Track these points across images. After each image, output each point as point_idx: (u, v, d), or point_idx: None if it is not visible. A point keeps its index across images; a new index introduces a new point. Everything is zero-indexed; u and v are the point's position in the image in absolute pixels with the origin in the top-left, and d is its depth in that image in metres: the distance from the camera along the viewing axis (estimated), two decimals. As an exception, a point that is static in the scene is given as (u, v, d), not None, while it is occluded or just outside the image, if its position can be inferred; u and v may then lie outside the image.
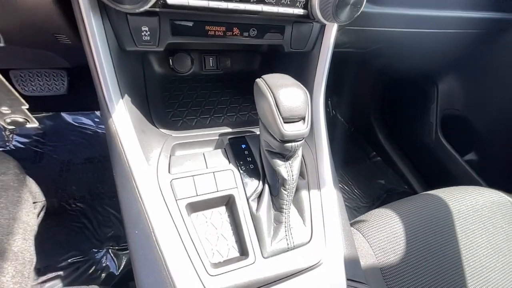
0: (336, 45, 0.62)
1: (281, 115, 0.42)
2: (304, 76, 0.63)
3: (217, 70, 0.77)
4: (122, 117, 0.47)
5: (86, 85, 1.21)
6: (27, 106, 0.41)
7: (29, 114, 0.43)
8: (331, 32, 0.58)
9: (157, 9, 0.40)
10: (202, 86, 0.73)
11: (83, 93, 1.29)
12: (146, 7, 0.36)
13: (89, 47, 0.43)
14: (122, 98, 0.48)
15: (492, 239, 0.75)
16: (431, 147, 1.36)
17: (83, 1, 0.39)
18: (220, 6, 0.41)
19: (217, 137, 0.57)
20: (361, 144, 1.69)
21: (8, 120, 0.42)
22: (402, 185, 1.54)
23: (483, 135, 1.19)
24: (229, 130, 0.62)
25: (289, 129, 0.43)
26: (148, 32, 0.45)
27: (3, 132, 1.25)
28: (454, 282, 0.67)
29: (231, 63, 0.77)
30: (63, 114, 1.37)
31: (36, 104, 1.25)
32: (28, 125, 0.45)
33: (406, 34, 0.80)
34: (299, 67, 0.65)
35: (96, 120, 1.38)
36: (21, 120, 0.43)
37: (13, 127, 0.43)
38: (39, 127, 1.33)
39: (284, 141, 0.44)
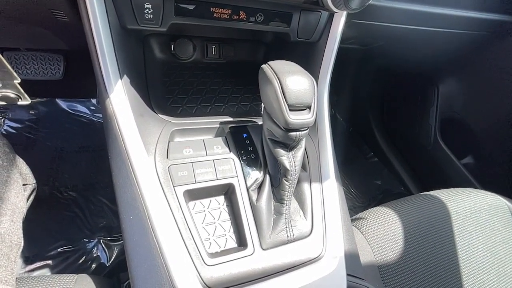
0: (341, 40, 0.61)
1: (286, 102, 0.41)
2: (309, 67, 0.62)
3: (219, 59, 0.75)
4: (120, 98, 0.45)
5: (83, 71, 1.19)
6: (19, 80, 0.38)
7: (21, 89, 0.40)
8: (339, 23, 0.57)
9: (162, -16, 0.38)
10: (203, 74, 0.71)
11: (80, 79, 1.26)
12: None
13: (88, 23, 0.41)
14: (121, 79, 0.46)
15: (489, 242, 0.75)
16: (428, 149, 1.37)
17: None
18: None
19: (218, 126, 0.55)
20: (358, 143, 1.69)
21: (-1, 95, 0.40)
22: (398, 186, 1.54)
23: (481, 139, 1.19)
24: (230, 119, 0.60)
25: (294, 117, 0.41)
26: (151, 10, 0.43)
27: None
28: (450, 283, 0.66)
29: (234, 52, 0.75)
30: (58, 101, 1.33)
31: (30, 89, 1.22)
32: (20, 102, 0.43)
33: (410, 31, 0.79)
34: (304, 58, 0.64)
35: (92, 108, 1.35)
36: (12, 96, 0.41)
37: (4, 103, 0.41)
38: (32, 112, 1.29)
39: (288, 129, 0.42)
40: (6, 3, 0.47)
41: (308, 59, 0.63)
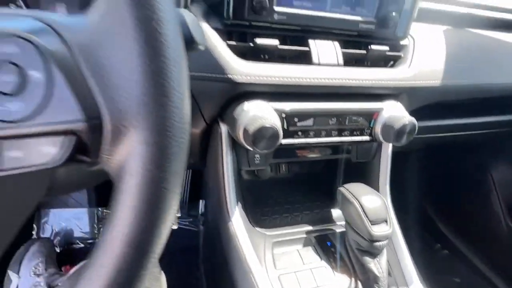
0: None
1: (368, 218, 0.53)
2: (368, 181, 0.76)
3: (288, 174, 0.94)
4: (239, 222, 0.61)
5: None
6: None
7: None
8: (389, 146, 0.74)
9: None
10: (278, 188, 0.89)
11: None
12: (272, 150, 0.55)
13: (221, 170, 0.63)
14: (237, 206, 0.64)
15: None
16: (503, 237, 1.27)
17: (225, 141, 0.61)
18: (313, 141, 0.60)
19: (304, 235, 0.68)
20: (422, 236, 1.61)
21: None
22: (482, 282, 1.35)
23: None
24: (310, 228, 0.72)
25: (377, 230, 0.53)
26: (259, 158, 0.65)
27: (94, 225, 1.47)
28: None
29: (300, 168, 0.94)
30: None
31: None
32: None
33: (450, 137, 0.93)
34: (361, 173, 0.79)
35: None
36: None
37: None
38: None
39: (373, 240, 0.53)
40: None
41: (365, 173, 0.78)
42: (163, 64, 0.18)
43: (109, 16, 0.18)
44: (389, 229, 0.54)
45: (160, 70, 0.18)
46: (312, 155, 0.70)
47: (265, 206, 0.81)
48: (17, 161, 0.18)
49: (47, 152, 0.19)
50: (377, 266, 0.54)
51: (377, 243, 0.53)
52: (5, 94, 0.17)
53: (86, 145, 0.19)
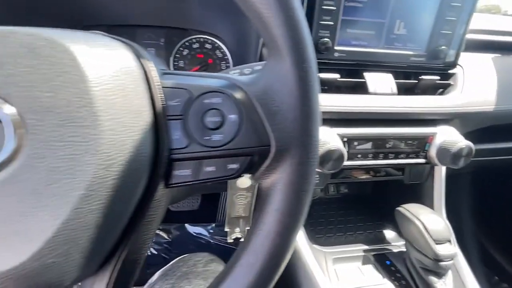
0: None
1: (432, 238, 0.56)
2: (421, 202, 0.77)
3: (337, 194, 0.97)
4: (301, 237, 0.66)
5: (210, 203, 1.56)
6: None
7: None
8: (442, 168, 0.76)
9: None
10: (327, 207, 0.93)
11: (206, 209, 1.63)
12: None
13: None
14: (298, 222, 0.69)
15: None
16: None
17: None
18: (372, 163, 0.65)
19: (362, 253, 0.70)
20: (478, 269, 1.50)
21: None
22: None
23: None
24: (366, 247, 0.75)
25: (442, 249, 0.55)
26: (319, 178, 0.71)
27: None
28: None
29: (348, 189, 0.98)
30: (186, 225, 1.68)
31: (175, 217, 1.62)
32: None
33: (498, 161, 0.92)
34: (414, 195, 0.81)
35: (211, 231, 1.65)
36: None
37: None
38: (167, 237, 1.64)
39: (438, 260, 0.55)
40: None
41: (419, 195, 0.80)
42: (313, 107, 0.26)
43: (276, 74, 0.26)
44: (454, 248, 0.55)
45: (311, 111, 0.26)
46: (365, 176, 0.74)
47: (319, 225, 0.85)
48: (211, 174, 0.27)
49: (230, 168, 0.27)
50: (443, 286, 0.56)
51: (442, 263, 0.55)
52: (211, 129, 0.26)
53: (253, 163, 0.27)
